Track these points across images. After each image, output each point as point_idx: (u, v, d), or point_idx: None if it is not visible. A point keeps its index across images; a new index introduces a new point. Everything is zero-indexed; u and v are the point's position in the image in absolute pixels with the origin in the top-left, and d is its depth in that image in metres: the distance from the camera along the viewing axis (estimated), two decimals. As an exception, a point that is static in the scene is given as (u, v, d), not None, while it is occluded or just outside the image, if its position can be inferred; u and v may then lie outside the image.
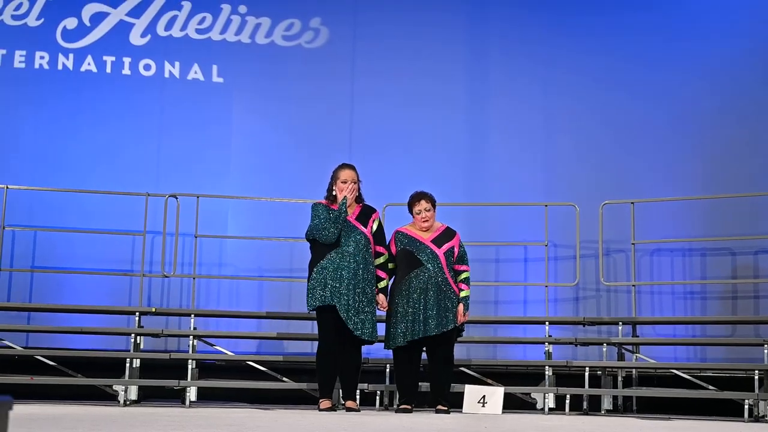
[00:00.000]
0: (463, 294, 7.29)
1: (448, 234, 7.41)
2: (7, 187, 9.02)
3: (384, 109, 10.04)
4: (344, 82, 10.12)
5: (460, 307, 7.24)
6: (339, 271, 7.02)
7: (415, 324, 7.13)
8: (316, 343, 7.45)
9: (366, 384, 7.99)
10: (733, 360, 8.97)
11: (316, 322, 7.30)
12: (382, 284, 7.25)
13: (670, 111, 9.73)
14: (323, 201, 7.28)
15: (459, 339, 7.60)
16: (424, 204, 7.35)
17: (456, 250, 7.36)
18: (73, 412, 6.03)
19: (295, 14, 10.18)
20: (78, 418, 5.26)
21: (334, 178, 7.30)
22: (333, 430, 4.47)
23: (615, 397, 8.45)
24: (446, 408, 7.26)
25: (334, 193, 7.25)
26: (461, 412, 7.58)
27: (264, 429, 4.38)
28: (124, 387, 8.07)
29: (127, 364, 8.35)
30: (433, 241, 7.32)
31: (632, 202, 8.94)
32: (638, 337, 8.81)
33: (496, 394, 7.68)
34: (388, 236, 7.35)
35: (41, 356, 8.57)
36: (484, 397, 7.67)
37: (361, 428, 4.63)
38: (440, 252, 7.27)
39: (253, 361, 8.77)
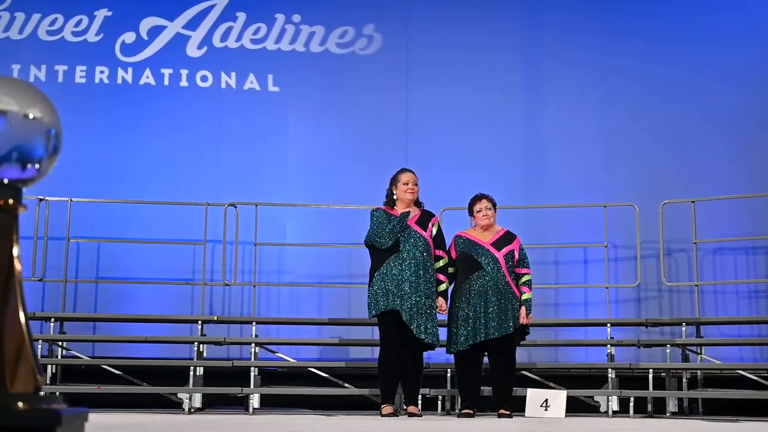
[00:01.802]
0: (525, 297, 7.27)
1: (507, 237, 7.40)
2: (70, 200, 9.19)
3: (439, 116, 10.04)
4: (399, 89, 10.14)
5: (522, 309, 7.22)
6: (400, 276, 7.04)
7: (476, 327, 7.13)
8: (377, 349, 7.48)
9: (427, 389, 7.99)
10: (800, 359, 8.83)
11: (377, 327, 7.32)
12: (442, 288, 7.26)
13: (733, 106, 9.60)
14: (382, 207, 7.31)
15: (521, 342, 7.58)
16: (485, 203, 7.39)
17: (516, 253, 7.35)
18: (140, 421, 6.12)
19: (349, 22, 10.23)
20: (145, 427, 5.35)
21: (394, 181, 7.35)
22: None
23: (680, 399, 8.35)
24: (509, 412, 7.24)
25: (394, 197, 7.28)
26: (524, 416, 7.54)
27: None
28: (188, 395, 8.16)
29: (191, 372, 8.44)
30: (493, 244, 7.32)
31: (693, 201, 8.84)
32: (702, 337, 8.69)
33: (559, 397, 7.63)
34: (448, 241, 7.36)
35: (107, 365, 8.70)
36: (546, 400, 7.63)
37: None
38: (500, 255, 7.26)
39: (314, 368, 8.81)
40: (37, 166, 1.56)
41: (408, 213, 7.24)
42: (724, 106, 9.63)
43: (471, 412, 7.29)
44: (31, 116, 1.52)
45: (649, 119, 9.79)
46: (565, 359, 9.44)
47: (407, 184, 7.29)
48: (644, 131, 9.77)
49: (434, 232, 7.28)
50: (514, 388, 7.39)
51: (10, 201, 1.58)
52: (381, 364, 7.18)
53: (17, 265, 1.59)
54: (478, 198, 7.45)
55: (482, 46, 10.12)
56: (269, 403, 8.80)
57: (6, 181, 1.56)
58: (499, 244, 7.33)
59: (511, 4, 10.24)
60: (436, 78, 10.10)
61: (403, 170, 7.40)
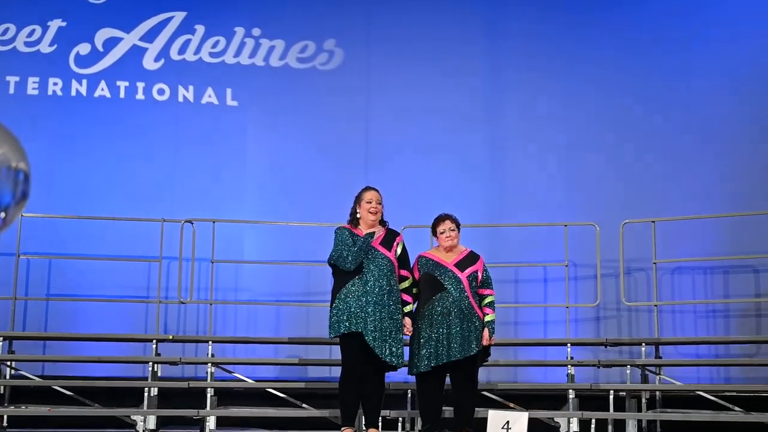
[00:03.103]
0: (488, 318, 7.19)
1: (471, 258, 7.32)
2: (21, 215, 8.96)
3: (400, 131, 9.96)
4: (359, 104, 10.05)
5: (486, 331, 7.15)
6: (364, 297, 6.91)
7: (438, 349, 7.03)
8: (336, 369, 7.36)
9: (388, 411, 7.87)
10: (758, 379, 8.85)
11: (337, 347, 7.19)
12: (407, 308, 7.15)
13: (691, 128, 9.63)
14: (346, 225, 7.19)
15: (483, 363, 7.49)
16: (448, 224, 7.29)
17: (480, 274, 7.27)
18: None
19: (310, 36, 10.12)
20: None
21: (357, 200, 7.23)
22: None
23: (639, 420, 8.31)
24: (471, 432, 7.16)
25: (357, 215, 7.16)
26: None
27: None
28: (142, 417, 7.96)
29: (146, 393, 8.24)
30: (456, 264, 7.23)
31: (653, 221, 8.84)
32: (661, 357, 8.69)
33: (520, 419, 7.55)
34: (412, 260, 7.26)
35: (58, 386, 8.47)
36: (508, 422, 7.54)
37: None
38: (463, 276, 7.18)
39: (273, 388, 8.66)
40: (2, 215, 1.42)
41: (372, 234, 7.12)
42: (683, 129, 9.65)
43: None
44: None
45: (609, 139, 9.78)
46: (525, 378, 9.39)
47: (370, 202, 7.17)
48: (605, 151, 9.76)
49: (399, 251, 7.17)
50: (475, 409, 7.30)
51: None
52: (342, 386, 7.04)
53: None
54: (441, 219, 7.36)
55: (444, 65, 10.06)
56: (226, 424, 8.63)
57: (-29, 230, 1.42)
58: (462, 264, 7.24)
59: (474, 20, 10.18)
60: (397, 95, 10.02)
61: (367, 188, 7.27)
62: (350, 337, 6.91)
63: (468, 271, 7.21)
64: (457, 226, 7.34)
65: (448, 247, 7.29)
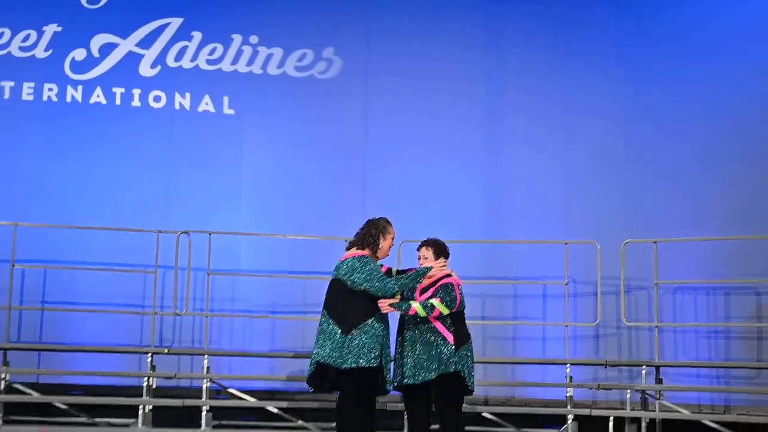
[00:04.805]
0: (411, 304, 7.01)
1: (438, 283, 7.14)
2: (15, 224, 8.86)
3: (398, 143, 9.82)
4: (357, 113, 9.91)
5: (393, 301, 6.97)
6: (385, 333, 6.95)
7: (401, 371, 7.04)
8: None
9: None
10: (758, 402, 8.80)
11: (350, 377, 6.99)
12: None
13: (695, 149, 9.53)
14: (367, 254, 7.03)
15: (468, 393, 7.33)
16: (423, 251, 7.20)
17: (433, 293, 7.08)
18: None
19: (308, 44, 9.95)
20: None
21: (383, 231, 7.07)
22: None
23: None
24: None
25: (378, 245, 7.03)
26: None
27: None
28: (137, 436, 7.91)
29: (140, 410, 8.18)
30: (423, 288, 7.10)
31: (655, 242, 8.74)
32: (662, 380, 8.64)
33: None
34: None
35: (55, 402, 8.42)
36: (505, 450, 7.49)
37: None
38: (418, 300, 7.02)
39: (271, 406, 8.62)
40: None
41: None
42: (687, 149, 9.54)
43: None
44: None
45: (612, 157, 9.66)
46: (522, 394, 9.32)
47: (394, 239, 7.15)
48: (607, 169, 9.65)
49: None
50: (471, 430, 7.20)
51: None
52: (358, 414, 6.90)
53: None
54: (421, 244, 7.26)
55: (443, 76, 9.91)
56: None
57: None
58: (425, 289, 7.11)
59: (473, 35, 10.01)
60: (396, 106, 9.87)
61: (390, 223, 7.17)
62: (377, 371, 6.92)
63: (424, 296, 7.06)
64: (440, 251, 7.17)
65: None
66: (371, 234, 7.05)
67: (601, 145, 9.70)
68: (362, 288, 6.85)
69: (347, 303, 6.91)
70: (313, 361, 7.06)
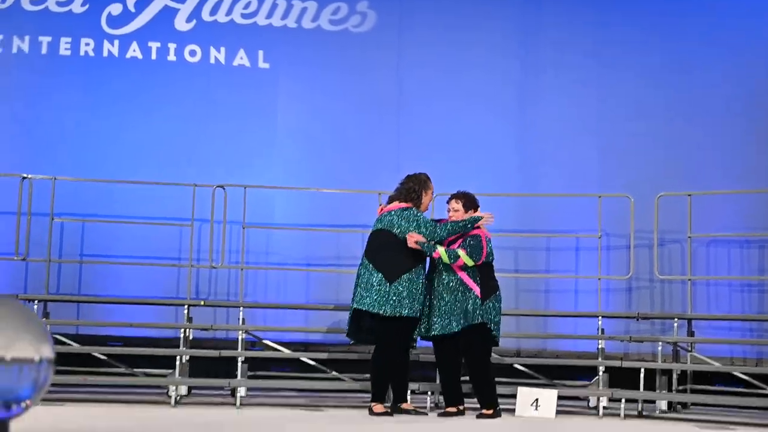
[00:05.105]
0: (437, 247, 7.13)
1: (471, 237, 7.22)
2: (54, 178, 8.98)
3: (432, 97, 9.83)
4: (392, 67, 9.91)
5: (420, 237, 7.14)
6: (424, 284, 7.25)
7: (430, 322, 7.23)
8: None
9: (417, 384, 7.91)
10: (789, 355, 8.80)
11: (390, 325, 7.17)
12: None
13: (729, 102, 9.42)
14: (410, 206, 7.28)
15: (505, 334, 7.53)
16: (452, 203, 7.39)
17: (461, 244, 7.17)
18: (123, 428, 6.00)
19: (342, -2, 9.96)
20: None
21: (424, 186, 7.37)
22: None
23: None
24: (489, 412, 7.16)
25: (421, 200, 7.33)
26: (514, 415, 7.49)
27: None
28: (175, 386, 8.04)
29: (177, 361, 8.32)
30: (450, 241, 7.21)
31: (689, 195, 8.71)
32: (694, 333, 8.64)
33: (549, 397, 7.57)
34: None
35: (95, 353, 8.59)
36: (537, 400, 7.57)
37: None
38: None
39: (305, 357, 8.75)
40: (25, 404, 1.40)
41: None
42: (725, 100, 9.43)
43: (453, 410, 7.28)
44: (21, 357, 1.37)
45: (647, 110, 9.59)
46: (554, 347, 9.39)
47: (433, 194, 7.52)
48: (642, 122, 9.58)
49: None
50: (492, 383, 7.28)
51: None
52: (394, 365, 7.18)
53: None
54: (450, 197, 7.41)
55: (478, 29, 9.87)
56: (255, 387, 8.71)
57: (-8, 420, 1.40)
58: (453, 241, 7.22)
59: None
60: (430, 58, 9.87)
61: (430, 179, 7.47)
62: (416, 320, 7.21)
63: (453, 246, 7.18)
64: (469, 203, 7.34)
65: None
66: (414, 190, 7.29)
67: (635, 99, 9.62)
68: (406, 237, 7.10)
69: (392, 253, 7.11)
70: (353, 312, 7.22)
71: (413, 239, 7.10)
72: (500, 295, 7.27)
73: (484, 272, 7.19)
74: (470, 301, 7.09)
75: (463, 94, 9.83)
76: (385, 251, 7.16)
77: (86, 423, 6.20)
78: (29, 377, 1.43)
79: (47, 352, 1.45)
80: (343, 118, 9.85)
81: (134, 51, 9.77)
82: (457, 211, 7.30)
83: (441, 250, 7.09)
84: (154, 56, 9.80)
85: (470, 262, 7.10)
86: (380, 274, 7.08)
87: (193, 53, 9.83)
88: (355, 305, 7.20)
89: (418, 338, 7.51)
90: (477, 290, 7.12)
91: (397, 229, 7.16)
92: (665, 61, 9.63)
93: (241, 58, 9.86)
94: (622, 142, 9.58)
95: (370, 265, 7.17)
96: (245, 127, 9.79)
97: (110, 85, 9.74)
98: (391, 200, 7.40)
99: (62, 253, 9.44)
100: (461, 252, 7.08)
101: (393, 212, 7.24)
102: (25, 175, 8.92)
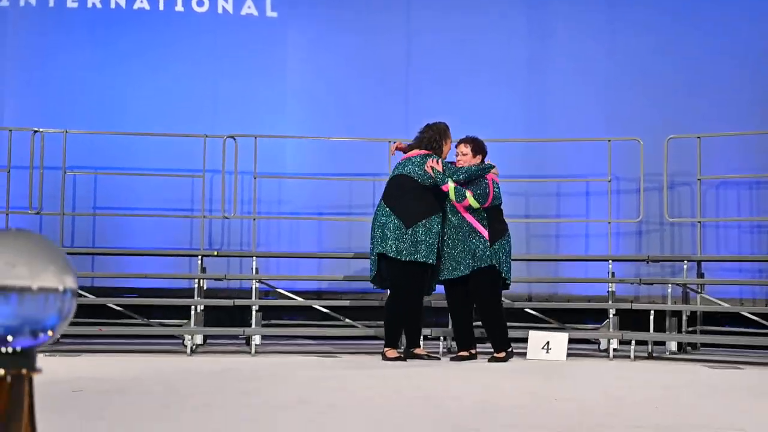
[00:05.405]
0: (448, 181, 7.18)
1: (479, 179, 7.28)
2: (66, 131, 9.02)
3: (441, 42, 9.81)
4: (401, 16, 9.88)
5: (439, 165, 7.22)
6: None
7: (443, 265, 7.29)
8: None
9: (429, 329, 8.00)
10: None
11: (405, 270, 7.24)
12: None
13: (742, 42, 9.38)
14: (431, 153, 7.36)
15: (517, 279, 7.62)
16: (461, 147, 7.42)
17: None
18: (141, 374, 6.10)
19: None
20: (145, 385, 5.31)
21: (444, 135, 7.41)
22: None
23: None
24: (500, 356, 7.25)
25: (442, 149, 7.39)
26: (525, 358, 7.58)
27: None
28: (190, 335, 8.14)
29: (192, 310, 8.41)
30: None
31: (698, 137, 8.71)
32: (703, 275, 8.69)
33: (560, 340, 7.65)
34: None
35: (110, 304, 8.68)
36: (548, 343, 7.65)
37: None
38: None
39: (317, 306, 8.84)
40: (50, 332, 1.46)
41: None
42: (737, 40, 9.39)
43: (465, 354, 7.37)
44: (46, 287, 1.43)
45: (657, 53, 9.55)
46: (565, 291, 9.47)
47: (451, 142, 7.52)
48: (650, 65, 9.55)
49: None
50: (504, 326, 7.36)
51: (24, 371, 1.49)
52: (408, 310, 7.26)
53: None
54: (459, 141, 7.43)
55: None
56: (269, 335, 8.82)
57: (19, 349, 1.47)
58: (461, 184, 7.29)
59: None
60: (439, 8, 9.82)
61: (449, 128, 7.50)
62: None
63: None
64: (477, 148, 7.36)
65: None
66: (435, 139, 7.37)
67: (646, 41, 9.58)
68: (430, 182, 7.19)
69: (410, 199, 7.19)
70: (374, 257, 7.28)
71: (428, 165, 7.19)
72: (509, 238, 7.33)
73: (492, 215, 7.25)
74: (479, 245, 7.16)
75: (472, 35, 9.76)
76: (404, 197, 7.23)
77: (103, 373, 6.30)
78: (54, 307, 1.48)
79: (71, 282, 1.51)
80: (353, 64, 9.84)
81: (141, 2, 9.75)
82: (465, 155, 7.35)
83: (451, 186, 7.16)
84: (161, 7, 9.78)
85: (476, 204, 7.16)
86: (398, 220, 7.16)
87: (200, 3, 9.81)
88: (376, 250, 7.27)
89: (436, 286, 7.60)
90: (485, 233, 7.19)
91: (418, 174, 7.24)
92: (673, 3, 9.57)
93: (249, 7, 9.83)
94: (631, 86, 9.55)
95: (388, 210, 7.24)
96: (255, 77, 9.79)
97: (118, 38, 9.74)
98: (410, 148, 7.47)
99: (75, 207, 9.52)
100: (468, 193, 7.14)
101: (415, 157, 7.32)
102: (36, 129, 8.96)
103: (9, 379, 1.51)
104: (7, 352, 1.48)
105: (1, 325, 1.45)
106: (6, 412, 1.50)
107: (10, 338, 1.47)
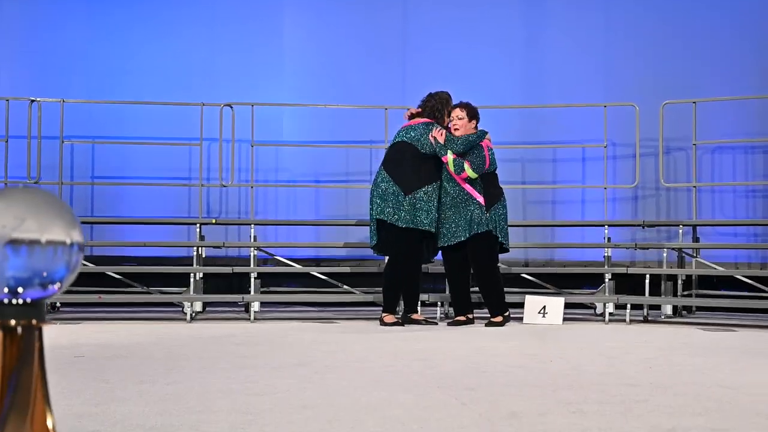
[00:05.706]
0: (448, 153, 7.23)
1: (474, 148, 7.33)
2: (63, 101, 9.04)
3: (438, 9, 9.81)
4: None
5: (442, 136, 7.28)
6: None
7: (440, 232, 7.36)
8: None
9: (427, 294, 8.07)
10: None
11: (403, 237, 7.31)
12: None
13: (732, 9, 9.38)
14: (432, 121, 7.41)
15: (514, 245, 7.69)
16: (456, 111, 7.43)
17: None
18: (142, 340, 6.17)
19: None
20: (148, 351, 5.38)
21: (447, 105, 7.44)
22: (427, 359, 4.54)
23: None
24: (498, 320, 7.33)
25: (444, 117, 7.42)
26: (522, 322, 7.65)
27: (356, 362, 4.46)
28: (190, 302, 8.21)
29: (191, 278, 8.46)
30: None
31: (694, 102, 8.74)
32: (699, 239, 8.75)
33: (557, 304, 7.72)
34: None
35: (109, 272, 8.74)
36: (544, 307, 7.72)
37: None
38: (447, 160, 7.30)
39: (316, 272, 8.91)
40: (58, 285, 1.52)
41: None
42: (733, 5, 9.40)
43: (462, 319, 7.44)
44: (54, 240, 1.48)
45: (652, 18, 9.56)
46: (562, 256, 9.53)
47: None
48: (645, 31, 9.56)
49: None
50: (512, 291, 7.45)
51: (34, 321, 1.56)
52: (406, 276, 7.33)
53: (46, 381, 1.59)
54: (454, 106, 7.44)
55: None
56: (268, 302, 8.89)
57: (29, 300, 1.53)
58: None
59: None
60: None
61: (451, 97, 7.53)
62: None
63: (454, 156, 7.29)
64: (471, 113, 7.37)
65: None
66: (438, 109, 7.40)
67: (639, 7, 9.58)
68: (430, 150, 7.21)
69: (411, 166, 7.23)
70: (373, 223, 7.34)
71: (434, 134, 7.24)
72: (505, 203, 7.39)
73: (488, 181, 7.31)
74: (475, 211, 7.22)
75: (468, 3, 9.77)
76: (405, 164, 7.28)
77: (104, 339, 6.37)
78: (62, 259, 1.54)
79: (77, 236, 1.56)
80: (349, 31, 9.85)
81: (139, -30, 9.75)
82: (461, 119, 7.38)
83: (450, 158, 7.21)
84: (159, -26, 9.78)
85: (473, 175, 7.24)
86: (397, 186, 7.21)
87: (197, -35, 9.80)
88: (375, 216, 7.33)
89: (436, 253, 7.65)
90: (480, 199, 7.25)
91: (419, 142, 7.28)
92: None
93: (246, -26, 9.83)
94: (627, 51, 9.57)
95: (387, 176, 7.29)
96: (251, 44, 9.80)
97: (116, 7, 9.74)
98: (413, 116, 7.50)
99: (74, 176, 9.56)
100: (466, 165, 7.20)
101: (417, 125, 7.36)
102: (33, 98, 8.98)
103: (20, 330, 1.56)
104: (17, 303, 1.54)
105: (12, 277, 1.51)
106: (18, 361, 1.55)
107: (20, 290, 1.52)
